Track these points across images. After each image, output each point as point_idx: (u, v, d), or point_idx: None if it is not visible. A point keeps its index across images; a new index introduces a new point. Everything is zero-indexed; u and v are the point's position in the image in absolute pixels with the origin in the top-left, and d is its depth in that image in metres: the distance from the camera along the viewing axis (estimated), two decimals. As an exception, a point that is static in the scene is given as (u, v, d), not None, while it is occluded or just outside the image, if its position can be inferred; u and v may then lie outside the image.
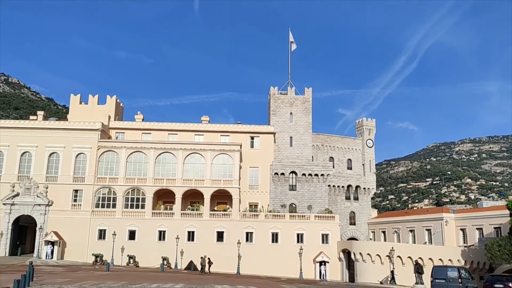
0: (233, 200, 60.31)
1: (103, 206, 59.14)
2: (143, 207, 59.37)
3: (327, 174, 67.17)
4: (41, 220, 57.33)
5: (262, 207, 63.20)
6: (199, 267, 49.72)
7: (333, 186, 72.87)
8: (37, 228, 57.51)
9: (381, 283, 50.34)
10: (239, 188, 61.28)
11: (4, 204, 57.27)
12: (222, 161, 61.19)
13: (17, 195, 57.58)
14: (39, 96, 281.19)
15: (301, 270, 54.80)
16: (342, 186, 74.21)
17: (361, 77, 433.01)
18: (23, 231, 61.62)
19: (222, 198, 62.41)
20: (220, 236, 58.86)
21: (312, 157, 70.68)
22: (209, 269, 49.33)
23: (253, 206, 64.19)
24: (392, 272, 50.84)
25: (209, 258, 50.10)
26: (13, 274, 34.72)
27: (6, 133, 59.92)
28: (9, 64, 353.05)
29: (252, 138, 67.32)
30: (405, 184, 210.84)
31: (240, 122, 70.29)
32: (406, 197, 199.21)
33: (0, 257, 54.55)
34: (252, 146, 67.05)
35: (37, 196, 57.55)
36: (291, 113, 69.75)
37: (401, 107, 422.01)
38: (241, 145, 62.89)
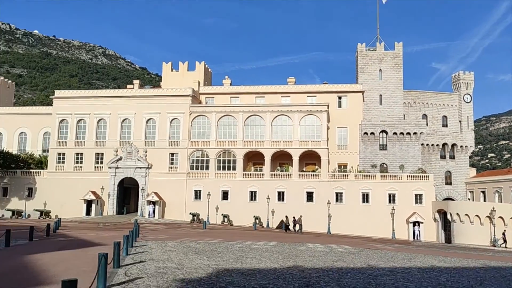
0: (321, 161, 60.19)
1: (197, 168, 62.05)
2: (234, 168, 61.40)
3: (420, 133, 64.27)
4: (143, 182, 61.71)
5: (352, 167, 62.42)
6: (291, 226, 50.99)
7: (427, 144, 69.77)
8: (139, 189, 62.09)
9: (493, 246, 47.96)
10: (328, 148, 60.89)
11: (109, 167, 62.32)
12: (310, 122, 60.95)
13: (120, 159, 62.25)
14: (133, 66, 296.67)
15: (393, 230, 53.89)
16: (437, 145, 70.79)
17: (457, 28, 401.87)
18: (127, 192, 66.93)
19: (310, 159, 62.53)
20: (309, 196, 59.37)
21: (404, 115, 67.90)
22: (294, 227, 50.43)
23: (342, 167, 63.69)
24: (503, 233, 48.41)
25: (294, 218, 51.58)
26: (121, 230, 38.04)
27: (108, 101, 64.47)
28: (106, 37, 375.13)
29: (340, 97, 66.01)
30: (507, 142, 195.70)
31: (326, 82, 69.16)
32: (508, 155, 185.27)
33: (108, 216, 59.97)
34: (339, 106, 65.84)
35: (138, 160, 61.81)
36: (380, 70, 67.05)
37: (502, 58, 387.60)
38: (328, 105, 62.00)
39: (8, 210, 61.62)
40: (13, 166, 65.62)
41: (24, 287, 10.65)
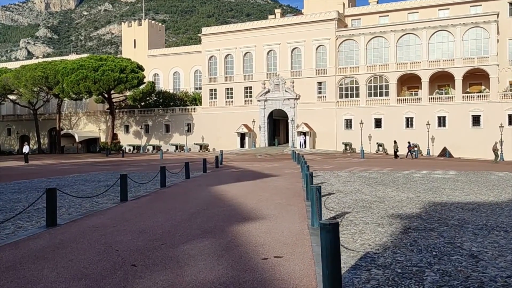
0: (490, 80, 52.79)
1: (346, 96, 59.32)
2: (387, 94, 57.30)
3: None
4: (291, 113, 61.22)
5: (529, 84, 53.91)
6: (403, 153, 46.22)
7: None
8: (288, 121, 61.89)
9: None
10: (497, 65, 53.01)
11: (258, 100, 62.86)
12: (475, 36, 53.24)
13: (268, 91, 62.22)
14: (265, 0, 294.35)
15: None
16: None
17: None
18: (276, 124, 67.45)
19: (475, 78, 55.37)
20: (475, 120, 53.09)
21: None
22: (409, 153, 45.12)
23: (515, 85, 55.39)
24: None
25: (409, 142, 46.75)
26: (280, 161, 37.99)
27: (252, 34, 63.92)
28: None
29: (512, 3, 56.27)
30: None
31: (493, -13, 59.14)
32: None
33: (261, 148, 61.27)
34: (511, 14, 56.22)
35: (286, 91, 61.13)
36: None
37: None
38: (498, 14, 53.21)
39: (172, 144, 66.84)
40: (171, 104, 70.24)
41: (233, 222, 9.84)
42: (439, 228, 8.98)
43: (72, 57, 78.99)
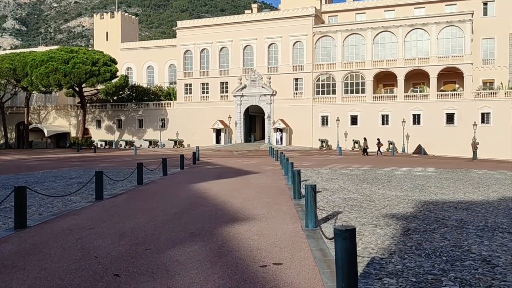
0: (464, 78, 53.45)
1: (323, 93, 59.10)
2: (363, 91, 57.38)
3: None
4: (268, 109, 60.65)
5: (501, 83, 54.80)
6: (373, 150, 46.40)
7: None
8: (265, 117, 61.32)
9: None
10: (471, 64, 53.72)
11: (234, 96, 62.03)
12: (450, 35, 53.77)
13: (245, 87, 61.43)
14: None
15: (555, 153, 46.90)
16: None
17: None
18: (252, 120, 66.79)
19: (449, 76, 56.00)
20: (449, 118, 53.71)
21: None
22: (378, 150, 45.20)
23: (488, 84, 56.31)
24: None
25: (378, 139, 46.49)
26: (258, 157, 37.37)
27: (228, 28, 62.97)
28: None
29: (485, 3, 57.04)
30: None
31: (467, -13, 59.96)
32: None
33: (237, 144, 60.54)
34: (485, 13, 57.10)
35: (262, 87, 60.48)
36: (537, -35, 56.07)
37: None
38: (472, 14, 53.88)
39: (146, 140, 65.33)
40: (145, 98, 68.67)
41: (220, 224, 9.17)
42: (440, 229, 8.54)
43: (42, 49, 76.30)
